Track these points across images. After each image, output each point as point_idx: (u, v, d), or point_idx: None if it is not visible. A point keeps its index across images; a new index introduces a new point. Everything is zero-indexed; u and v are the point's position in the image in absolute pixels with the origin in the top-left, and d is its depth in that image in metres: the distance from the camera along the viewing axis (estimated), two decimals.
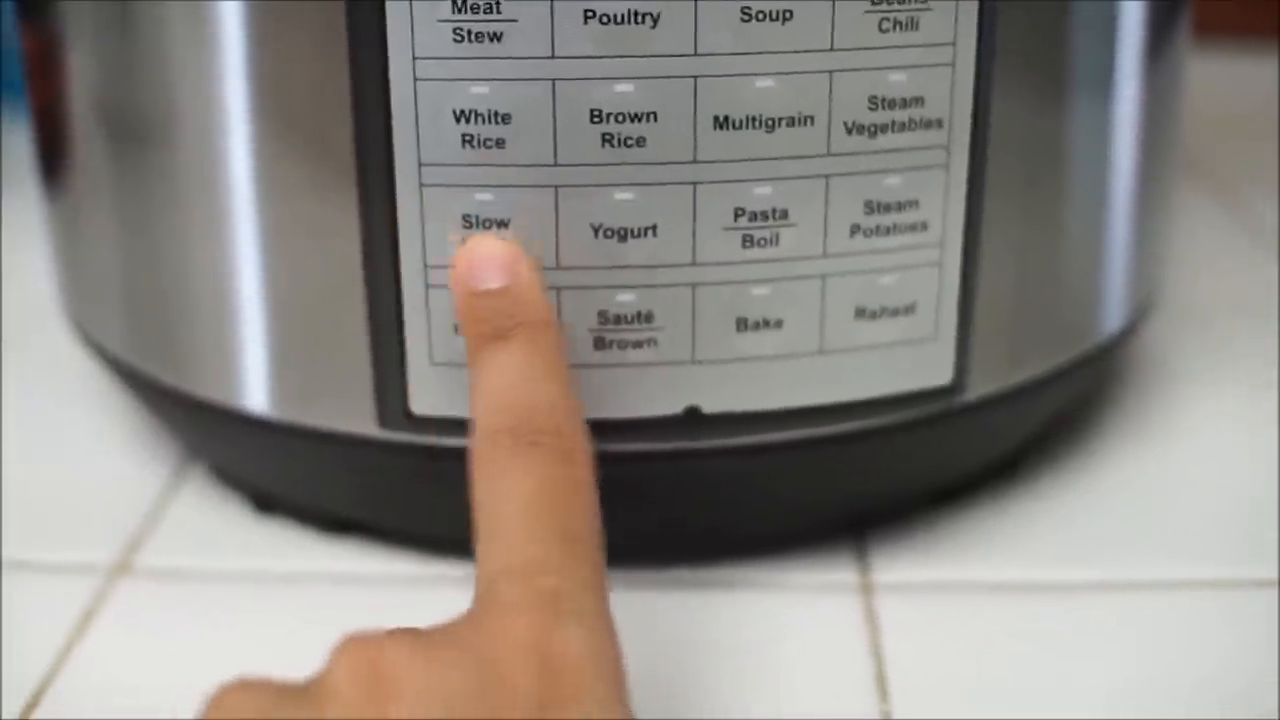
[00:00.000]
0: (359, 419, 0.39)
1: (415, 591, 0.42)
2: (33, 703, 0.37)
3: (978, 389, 0.40)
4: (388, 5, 0.35)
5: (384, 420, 0.39)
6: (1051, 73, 0.40)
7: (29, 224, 0.56)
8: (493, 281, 0.35)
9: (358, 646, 0.28)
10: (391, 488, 0.41)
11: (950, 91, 0.37)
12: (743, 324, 0.37)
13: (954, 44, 0.37)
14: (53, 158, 0.45)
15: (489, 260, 0.35)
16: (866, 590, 0.41)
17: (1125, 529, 0.44)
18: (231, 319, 0.40)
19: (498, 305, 0.34)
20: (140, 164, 0.40)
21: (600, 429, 0.37)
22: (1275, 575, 0.42)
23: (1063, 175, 0.41)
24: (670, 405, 0.38)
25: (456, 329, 0.37)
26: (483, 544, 0.30)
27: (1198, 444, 0.49)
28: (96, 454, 0.49)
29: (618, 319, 0.37)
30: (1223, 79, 0.85)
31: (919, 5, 0.36)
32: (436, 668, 0.27)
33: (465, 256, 0.35)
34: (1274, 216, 0.69)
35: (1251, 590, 0.41)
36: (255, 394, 0.41)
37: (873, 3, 0.36)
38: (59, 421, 0.51)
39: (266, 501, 0.45)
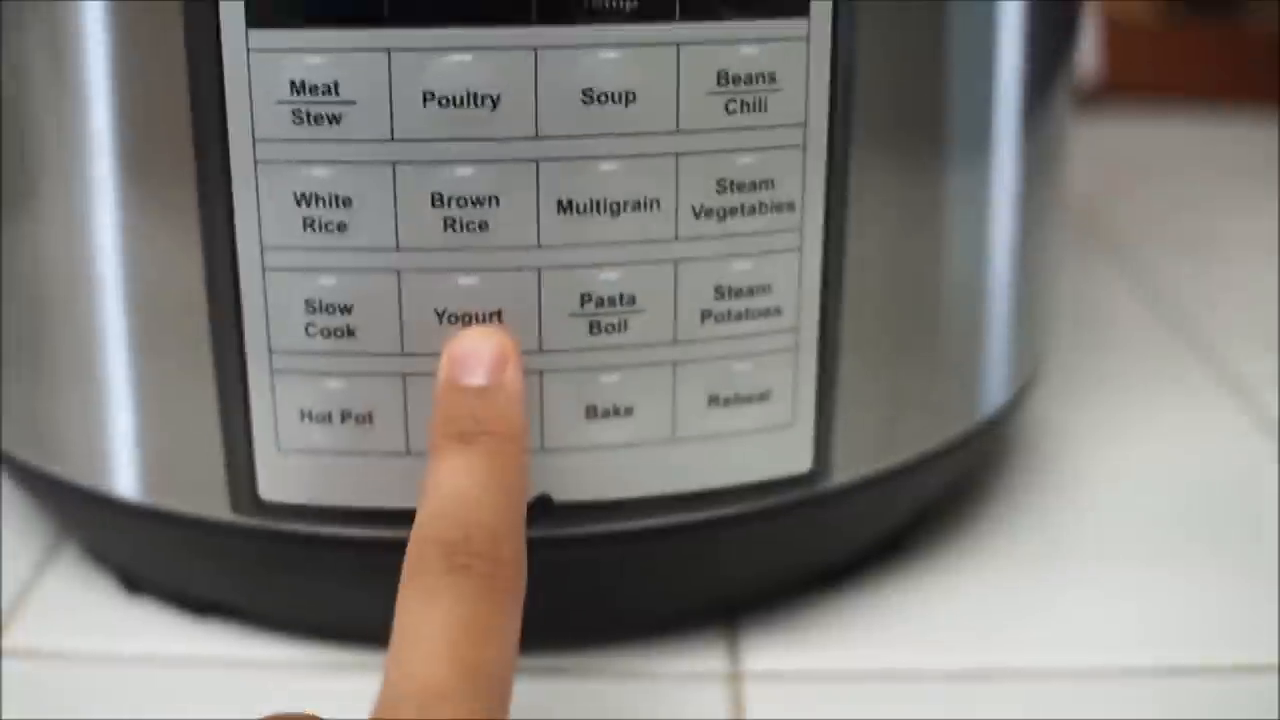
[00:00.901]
0: (214, 504, 0.39)
1: (278, 675, 0.41)
2: None
3: (843, 474, 0.40)
4: (226, 84, 0.35)
5: (236, 506, 0.38)
6: (921, 146, 0.39)
7: None
8: (476, 378, 0.34)
9: None
10: (249, 572, 0.41)
11: (802, 173, 0.36)
12: (592, 411, 0.37)
13: (805, 125, 0.36)
14: None
15: (478, 356, 0.34)
16: (735, 679, 0.40)
17: (1009, 613, 0.43)
18: (95, 401, 0.39)
19: (473, 406, 0.34)
20: (4, 243, 0.40)
21: None
22: (1163, 663, 0.41)
23: (935, 253, 0.40)
24: None
25: (303, 415, 0.37)
26: (393, 656, 0.30)
27: (1086, 521, 0.48)
28: None
29: None
30: (1126, 138, 0.85)
31: (767, 86, 0.35)
32: None
33: (455, 346, 0.35)
34: (1174, 281, 0.68)
35: (1140, 678, 0.41)
36: (121, 477, 0.40)
37: (718, 83, 0.35)
38: None
39: (135, 582, 0.44)
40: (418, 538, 0.32)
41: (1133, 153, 0.84)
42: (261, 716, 0.30)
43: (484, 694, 0.29)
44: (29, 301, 0.40)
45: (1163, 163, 0.84)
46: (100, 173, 0.37)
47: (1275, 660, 0.41)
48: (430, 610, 0.30)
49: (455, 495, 0.32)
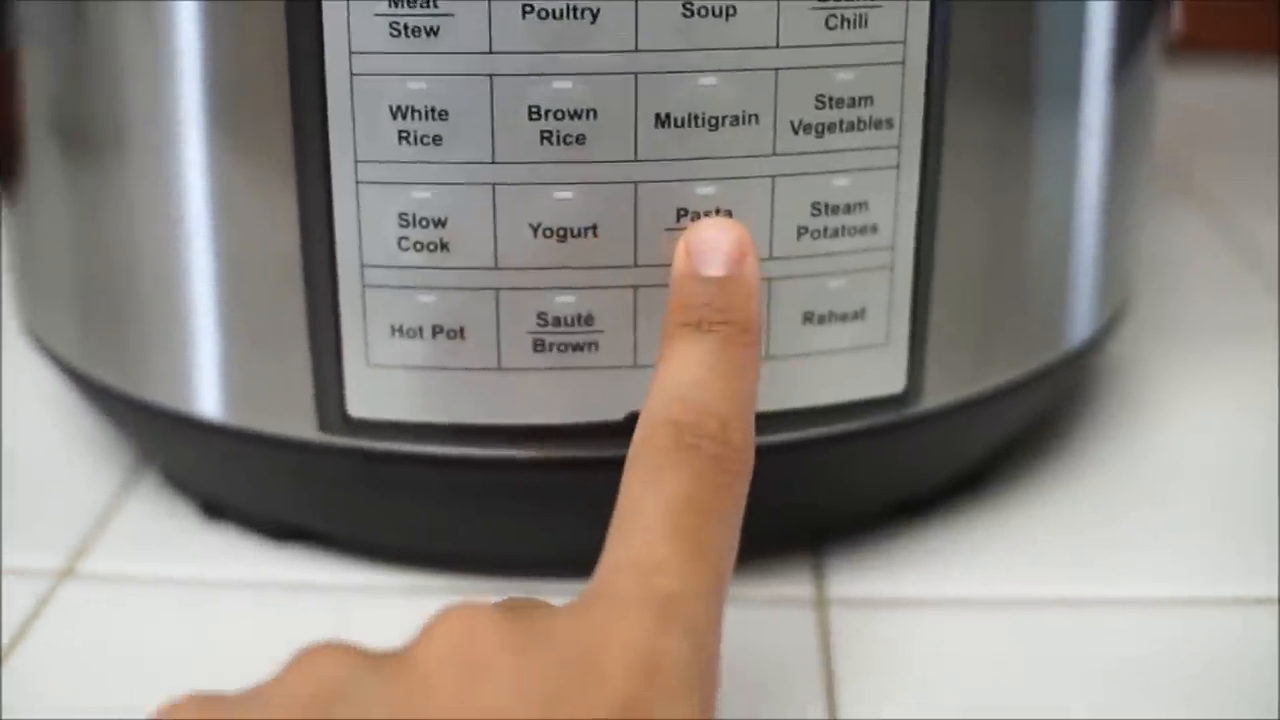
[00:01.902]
0: (301, 423, 0.39)
1: (362, 600, 0.41)
2: None
3: (933, 398, 0.39)
4: (324, 1, 0.34)
5: (323, 424, 0.38)
6: (1012, 76, 0.39)
7: None
8: (714, 269, 0.34)
9: (454, 624, 0.27)
10: (334, 493, 0.41)
11: (900, 91, 0.36)
12: None
13: (904, 43, 0.36)
14: (6, 164, 0.45)
15: (716, 245, 0.34)
16: (821, 605, 0.40)
17: (1090, 545, 0.43)
18: (180, 323, 0.39)
19: (710, 295, 0.33)
20: (91, 170, 0.40)
21: (540, 434, 0.37)
22: (1247, 593, 0.41)
23: (1025, 181, 0.40)
24: (612, 410, 0.37)
25: (394, 330, 0.37)
26: (615, 531, 0.30)
27: (1167, 459, 0.48)
28: (49, 458, 0.48)
29: (557, 321, 0.36)
30: (1206, 93, 0.84)
31: (867, 2, 0.35)
32: (532, 655, 0.27)
33: (693, 235, 0.34)
34: (1266, 235, 0.68)
35: (1223, 608, 0.40)
36: (204, 398, 0.40)
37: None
38: (13, 425, 0.50)
39: (215, 508, 0.44)
40: (648, 419, 0.32)
41: (1211, 107, 0.83)
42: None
43: (702, 569, 0.29)
44: (114, 222, 0.40)
45: (1240, 117, 0.83)
46: (190, 91, 0.37)
47: None
48: (655, 485, 0.30)
49: (688, 380, 0.32)
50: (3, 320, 0.53)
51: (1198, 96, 0.80)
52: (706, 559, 0.29)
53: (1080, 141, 0.41)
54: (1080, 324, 0.44)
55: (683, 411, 0.31)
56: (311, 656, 0.28)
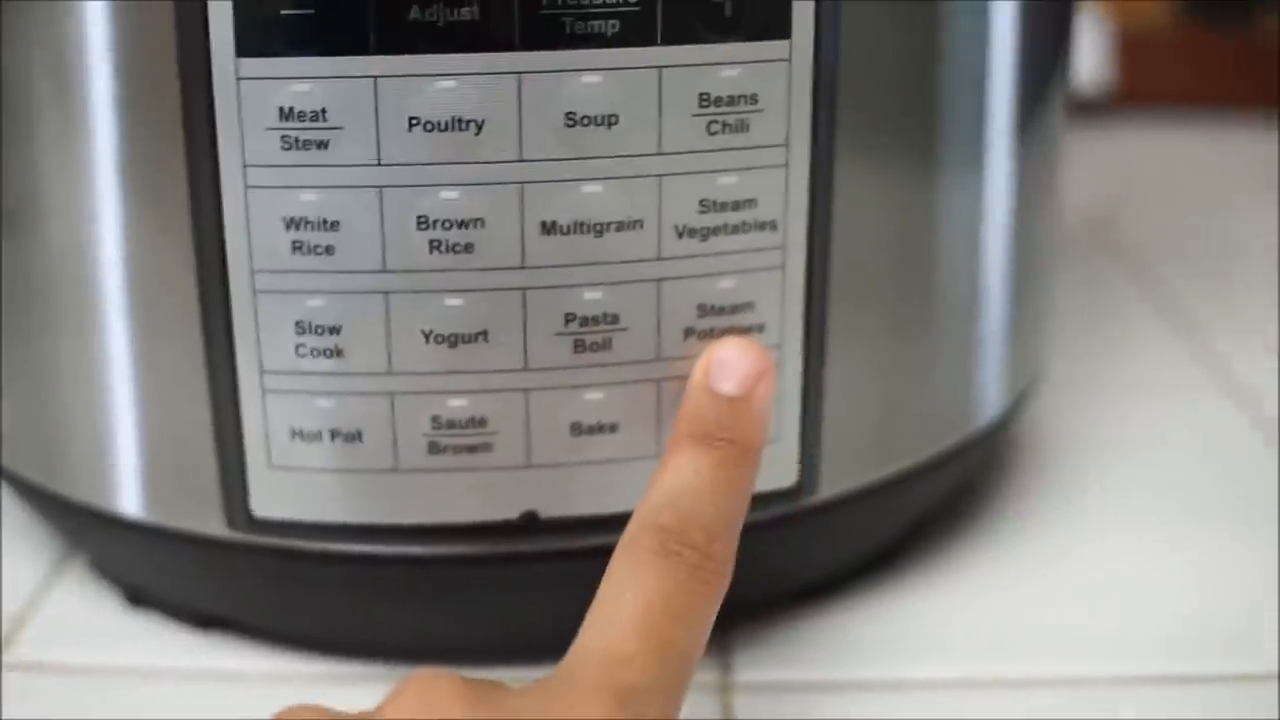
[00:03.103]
0: (211, 520, 0.39)
1: (278, 688, 0.42)
2: None
3: (830, 488, 0.40)
4: (217, 110, 0.35)
5: (230, 522, 0.39)
6: (909, 160, 0.39)
7: None
8: (729, 387, 0.35)
9: (420, 689, 0.29)
10: (247, 586, 0.41)
11: (785, 192, 0.37)
12: (577, 428, 0.37)
13: (786, 145, 0.36)
14: None
15: (735, 365, 0.36)
16: (726, 690, 0.41)
17: (1001, 624, 0.44)
18: (98, 421, 0.40)
19: (719, 412, 0.35)
20: (8, 256, 0.41)
21: (435, 533, 0.38)
22: (1152, 672, 0.41)
23: (927, 265, 0.41)
24: (506, 510, 0.38)
25: (294, 434, 0.37)
26: (591, 618, 0.32)
27: (1084, 532, 0.48)
28: None
29: (451, 424, 0.37)
30: (1139, 148, 0.85)
31: (749, 107, 0.36)
32: None
33: (716, 350, 0.36)
34: (1185, 290, 0.68)
35: (1130, 688, 0.41)
36: (123, 495, 0.41)
37: (700, 105, 0.36)
38: None
39: (138, 596, 0.45)
40: (639, 519, 0.33)
41: (1146, 161, 0.84)
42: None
43: (665, 668, 0.31)
44: (31, 319, 0.40)
45: (1175, 172, 0.84)
46: (102, 192, 0.38)
47: (1276, 669, 0.41)
48: (635, 583, 0.32)
49: (682, 488, 0.34)
50: None
51: (1129, 152, 0.81)
52: (671, 660, 0.31)
53: (983, 215, 0.42)
54: (988, 402, 0.44)
55: (672, 518, 0.33)
56: (288, 716, 0.30)
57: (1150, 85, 0.88)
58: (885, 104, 0.38)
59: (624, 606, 0.31)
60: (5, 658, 0.43)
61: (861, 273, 0.39)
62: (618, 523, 0.38)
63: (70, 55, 0.37)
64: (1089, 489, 0.51)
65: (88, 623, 0.45)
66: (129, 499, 0.41)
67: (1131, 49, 0.85)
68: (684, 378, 0.37)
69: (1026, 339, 0.46)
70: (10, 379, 0.42)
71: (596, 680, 0.30)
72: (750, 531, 0.39)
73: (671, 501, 0.33)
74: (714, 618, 0.33)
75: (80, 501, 0.42)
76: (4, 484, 0.46)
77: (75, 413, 0.41)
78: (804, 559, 0.43)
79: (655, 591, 0.32)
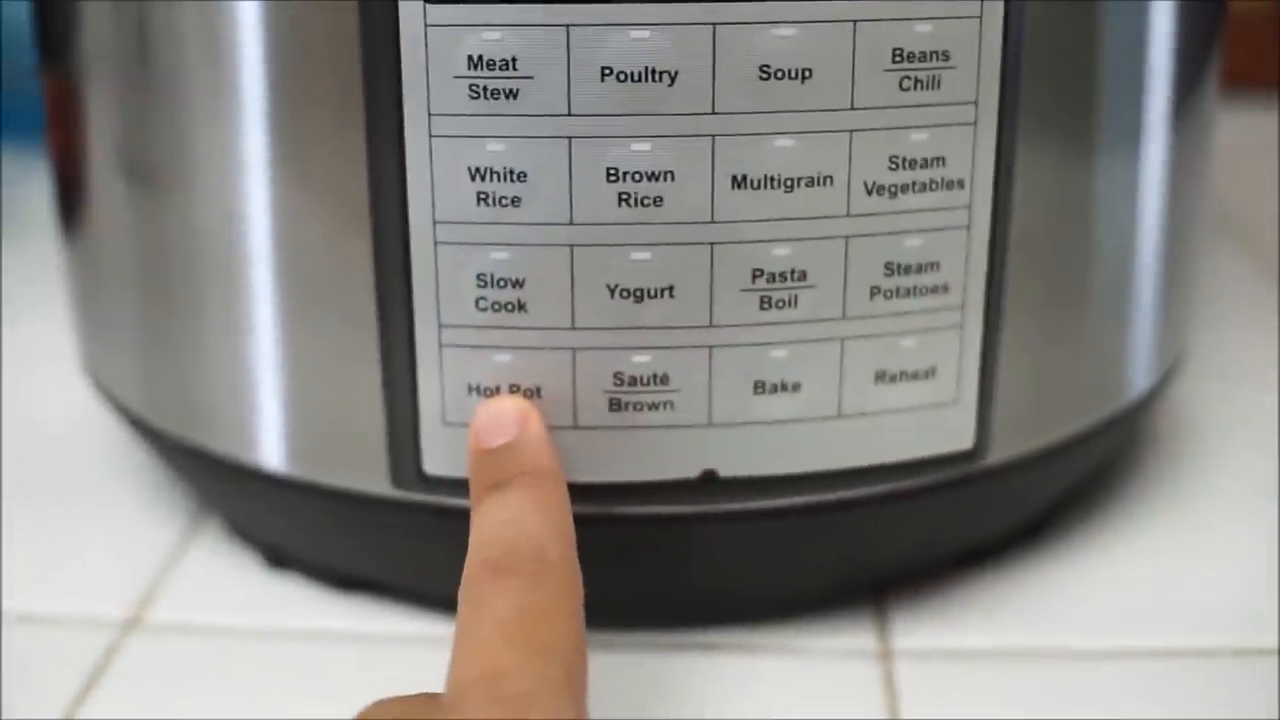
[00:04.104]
0: (372, 478, 0.39)
1: (422, 652, 0.41)
2: None
3: (1000, 453, 0.40)
4: (403, 59, 0.35)
5: (397, 480, 0.38)
6: (1077, 131, 0.39)
7: (42, 265, 0.56)
8: (499, 438, 0.36)
9: None
10: (403, 547, 0.41)
11: (972, 151, 0.36)
12: (760, 387, 0.37)
13: (976, 103, 0.36)
14: (71, 206, 0.45)
15: (498, 419, 0.36)
16: (886, 656, 0.41)
17: (1152, 595, 0.43)
18: (246, 373, 0.40)
19: (501, 459, 0.35)
20: (157, 213, 0.40)
21: (615, 492, 0.37)
22: None
23: (1088, 235, 0.40)
24: (686, 469, 0.37)
25: (470, 389, 0.37)
26: (454, 658, 0.31)
27: (1228, 507, 0.48)
28: (111, 507, 0.49)
29: (633, 380, 0.37)
30: (1241, 130, 0.85)
31: (941, 64, 0.36)
32: None
33: (478, 416, 0.36)
34: None
35: (1267, 660, 0.41)
36: (270, 451, 0.40)
37: (893, 61, 0.35)
38: (75, 474, 0.51)
39: (279, 557, 0.45)
40: (467, 568, 0.33)
41: (1251, 146, 0.84)
42: (384, 699, 0.31)
43: (547, 667, 0.30)
44: (182, 273, 0.40)
45: (1266, 151, 0.84)
46: (256, 145, 0.37)
47: None
48: (482, 613, 0.31)
49: (497, 524, 0.34)
50: (61, 362, 0.53)
51: (1233, 135, 0.81)
52: (550, 658, 0.30)
53: (1141, 192, 0.42)
54: (1140, 375, 0.44)
55: (496, 549, 0.33)
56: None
57: (1254, 69, 0.88)
58: (1063, 73, 0.38)
59: (482, 631, 0.30)
60: (146, 619, 0.43)
61: (1034, 240, 0.39)
62: (798, 483, 0.38)
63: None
64: (1224, 468, 0.51)
65: (226, 584, 0.44)
66: (275, 454, 0.40)
67: (1235, 32, 0.85)
68: (870, 336, 0.37)
69: (1175, 317, 0.45)
70: (153, 331, 0.42)
71: (483, 701, 0.29)
72: (924, 494, 0.39)
73: (492, 538, 0.33)
74: (579, 619, 0.32)
75: (225, 456, 0.41)
76: (143, 440, 0.45)
77: (222, 366, 0.40)
78: (968, 524, 0.43)
79: (506, 608, 0.31)
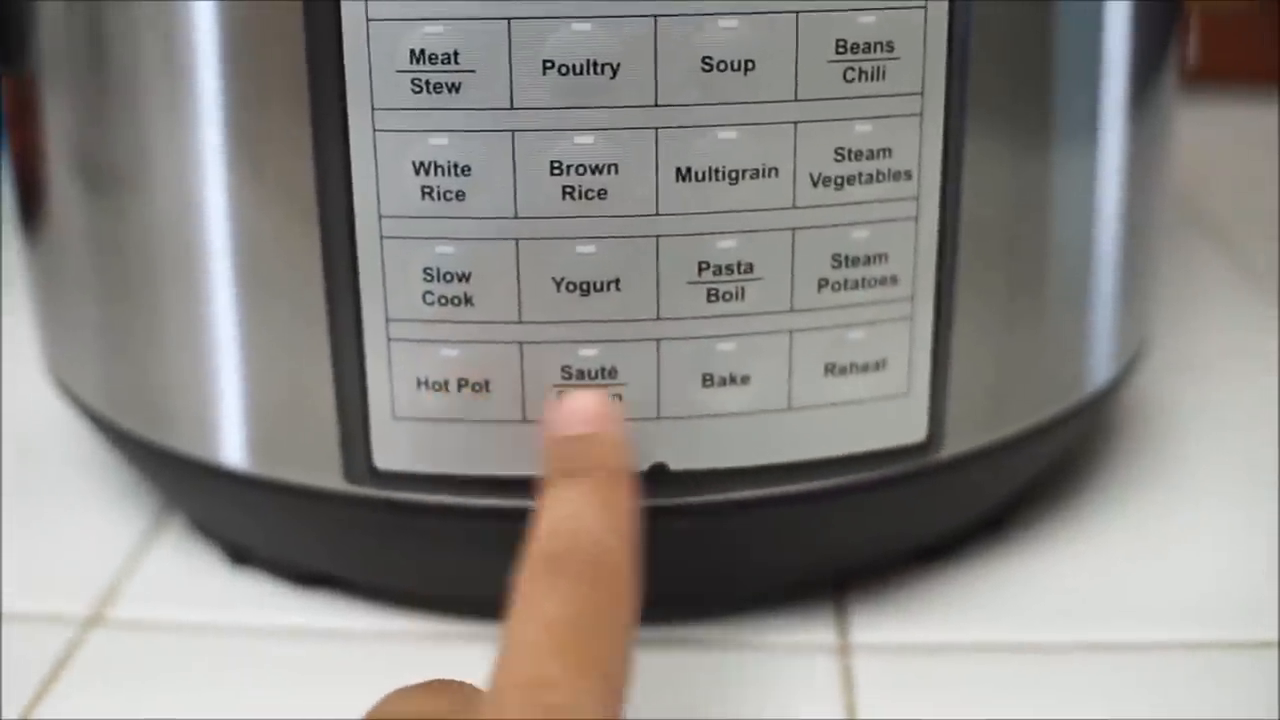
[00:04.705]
0: (327, 473, 0.39)
1: (382, 647, 0.41)
2: None
3: (955, 446, 0.39)
4: (345, 53, 0.35)
5: (349, 475, 0.38)
6: (1031, 122, 0.39)
7: (14, 267, 0.57)
8: (581, 427, 0.35)
9: None
10: (360, 542, 0.41)
11: (919, 143, 0.36)
12: (709, 379, 0.37)
13: (922, 93, 0.36)
14: (30, 207, 0.45)
15: (580, 411, 0.35)
16: (844, 651, 0.40)
17: (1113, 588, 0.43)
18: (205, 372, 0.40)
19: (575, 448, 0.35)
20: (115, 214, 0.40)
21: None
22: (1271, 636, 0.41)
23: (1044, 225, 0.40)
24: (635, 462, 0.37)
25: (419, 383, 0.37)
26: (500, 658, 0.30)
27: (1189, 498, 0.48)
28: (74, 507, 0.49)
29: (581, 374, 0.36)
30: (1220, 124, 0.85)
31: (885, 55, 0.35)
32: None
33: (561, 405, 0.35)
34: (1270, 261, 0.68)
35: (1246, 652, 0.40)
36: (229, 448, 0.40)
37: (837, 52, 0.35)
38: (40, 474, 0.51)
39: (240, 555, 0.45)
40: (527, 557, 0.32)
41: (1224, 138, 0.83)
42: (404, 687, 0.31)
43: (591, 682, 0.29)
44: (140, 271, 0.40)
45: (1255, 149, 0.84)
46: (211, 142, 0.37)
47: None
48: (535, 613, 0.30)
49: (561, 518, 0.33)
50: (23, 362, 0.53)
51: (1210, 128, 0.81)
52: (595, 673, 0.29)
53: (1098, 182, 0.41)
54: (1100, 367, 0.44)
55: (558, 543, 0.32)
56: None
57: (1228, 62, 0.88)
58: (1014, 64, 0.38)
59: (532, 633, 0.30)
60: (105, 615, 0.43)
61: (986, 230, 0.38)
62: (749, 476, 0.38)
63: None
64: (1190, 458, 0.50)
65: (188, 581, 0.45)
66: (234, 451, 0.40)
67: (1210, 26, 0.85)
68: (818, 329, 0.37)
69: (1136, 307, 0.45)
70: (113, 330, 0.42)
71: (523, 708, 0.28)
72: (877, 487, 0.39)
73: (555, 530, 0.33)
74: (631, 629, 0.31)
75: (185, 454, 0.41)
76: (105, 439, 0.45)
77: (181, 363, 0.40)
78: (925, 517, 0.42)
79: (559, 613, 0.30)
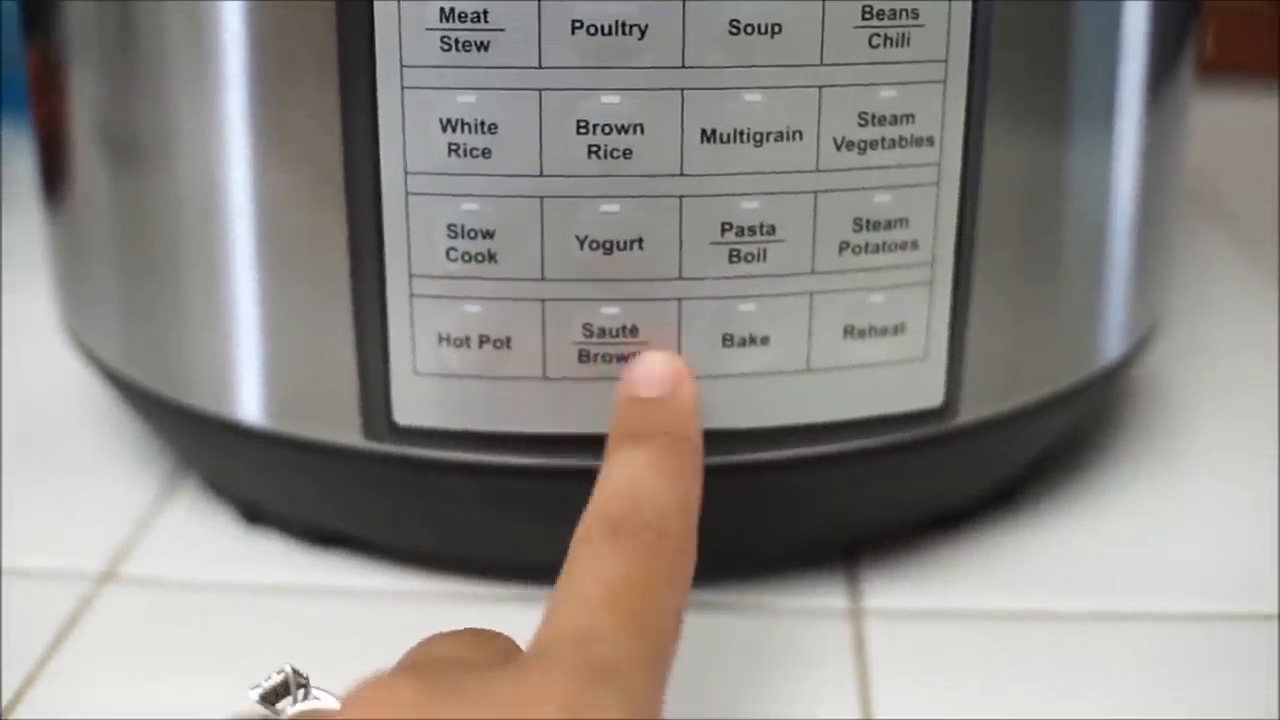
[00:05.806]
0: (345, 430, 0.39)
1: (398, 606, 0.41)
2: (11, 706, 0.37)
3: (970, 412, 0.40)
4: (376, 12, 0.35)
5: (368, 431, 0.39)
6: (1050, 96, 0.39)
7: (30, 237, 0.57)
8: (650, 391, 0.35)
9: (376, 694, 0.27)
10: (377, 500, 0.41)
11: (942, 110, 0.37)
12: (729, 340, 0.37)
13: (946, 61, 0.36)
14: (54, 174, 0.45)
15: (653, 373, 0.35)
16: (856, 616, 0.41)
17: (1123, 559, 0.44)
18: (224, 328, 0.40)
19: (647, 412, 0.35)
20: (138, 179, 0.40)
21: (582, 444, 0.37)
22: (1275, 609, 0.41)
23: (1061, 200, 0.40)
24: None
25: (441, 339, 0.37)
26: (551, 610, 0.30)
27: (1199, 474, 0.48)
28: (90, 464, 0.49)
29: (602, 332, 0.37)
30: (1232, 113, 0.85)
31: (911, 21, 0.36)
32: (458, 712, 0.27)
33: (634, 366, 0.36)
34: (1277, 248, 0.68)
35: (1251, 624, 0.41)
36: (247, 404, 0.41)
37: (863, 17, 0.35)
38: (55, 430, 0.51)
39: (255, 514, 0.45)
40: (588, 515, 0.32)
41: (1234, 130, 0.84)
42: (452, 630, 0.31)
43: (643, 643, 0.29)
44: (163, 231, 0.40)
45: (1263, 139, 0.84)
46: (236, 105, 0.38)
47: None
48: (592, 569, 0.30)
49: (628, 478, 0.33)
50: (40, 319, 0.54)
51: (1223, 118, 0.81)
52: (647, 634, 0.29)
53: (1115, 160, 0.42)
54: (1113, 342, 0.44)
55: (621, 506, 0.32)
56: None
57: (1237, 55, 0.88)
58: (1035, 40, 0.38)
59: (587, 589, 0.30)
60: (121, 573, 0.43)
61: (1005, 201, 0.39)
62: (766, 437, 0.38)
63: None
64: (1198, 437, 0.51)
65: (202, 540, 0.45)
66: (253, 408, 0.40)
67: (1220, 18, 0.85)
68: (839, 291, 0.37)
69: (1149, 286, 0.46)
70: (135, 289, 0.42)
71: (569, 659, 0.28)
72: (893, 452, 0.39)
73: (618, 492, 0.33)
74: (685, 595, 0.32)
75: (204, 411, 0.41)
76: (123, 397, 0.45)
77: (202, 321, 0.40)
78: (939, 484, 0.43)
79: (616, 572, 0.30)
